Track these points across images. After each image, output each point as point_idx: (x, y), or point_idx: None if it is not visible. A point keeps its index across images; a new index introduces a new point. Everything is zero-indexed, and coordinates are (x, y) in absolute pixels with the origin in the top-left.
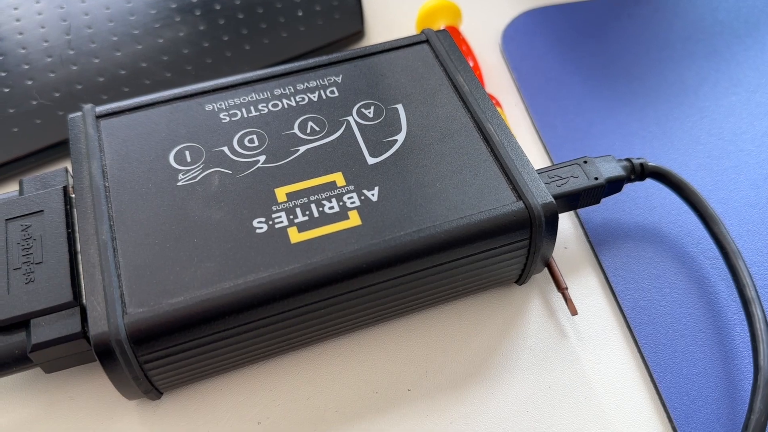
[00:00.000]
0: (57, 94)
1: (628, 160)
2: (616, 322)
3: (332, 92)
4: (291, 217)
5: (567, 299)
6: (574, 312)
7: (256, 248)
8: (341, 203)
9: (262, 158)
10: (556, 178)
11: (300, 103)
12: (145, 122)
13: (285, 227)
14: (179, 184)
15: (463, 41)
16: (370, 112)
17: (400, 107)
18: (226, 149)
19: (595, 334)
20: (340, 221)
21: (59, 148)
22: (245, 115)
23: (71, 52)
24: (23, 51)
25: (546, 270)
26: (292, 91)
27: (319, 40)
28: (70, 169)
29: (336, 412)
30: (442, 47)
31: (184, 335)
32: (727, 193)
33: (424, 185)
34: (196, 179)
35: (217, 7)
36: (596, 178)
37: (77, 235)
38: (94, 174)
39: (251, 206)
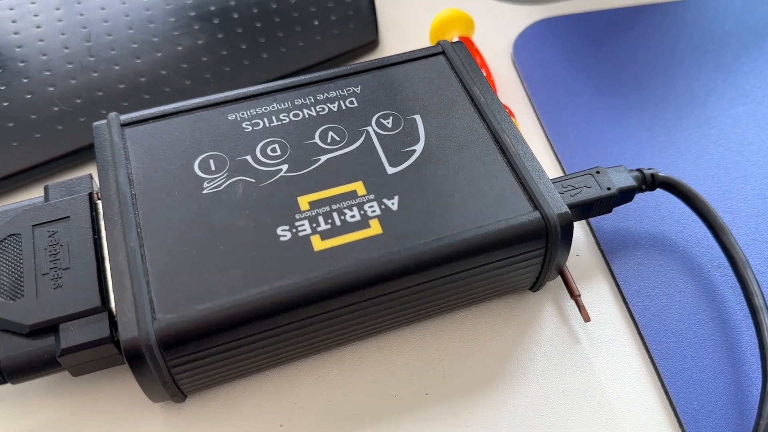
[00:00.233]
0: (78, 101)
1: (639, 170)
2: (628, 328)
3: (351, 102)
4: (314, 225)
5: (580, 306)
6: (587, 318)
7: (280, 256)
8: (362, 212)
9: (285, 167)
10: (570, 188)
11: (320, 113)
12: (169, 131)
13: (308, 235)
14: (204, 192)
15: (477, 52)
16: (388, 123)
17: (418, 118)
18: (249, 158)
19: (608, 340)
20: (361, 230)
21: (81, 154)
22: (267, 125)
23: (92, 59)
24: (44, 58)
25: (559, 277)
26: (313, 101)
27: (335, 49)
28: (93, 175)
29: (355, 415)
30: (457, 58)
31: (212, 340)
32: (734, 203)
33: (443, 195)
34: (221, 187)
35: (235, 16)
36: (609, 188)
37: (103, 241)
38: (120, 181)
39: (275, 214)
